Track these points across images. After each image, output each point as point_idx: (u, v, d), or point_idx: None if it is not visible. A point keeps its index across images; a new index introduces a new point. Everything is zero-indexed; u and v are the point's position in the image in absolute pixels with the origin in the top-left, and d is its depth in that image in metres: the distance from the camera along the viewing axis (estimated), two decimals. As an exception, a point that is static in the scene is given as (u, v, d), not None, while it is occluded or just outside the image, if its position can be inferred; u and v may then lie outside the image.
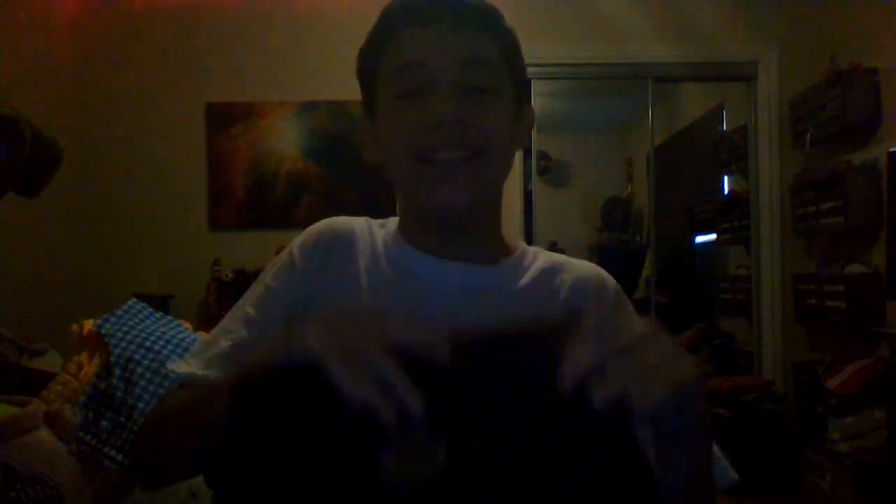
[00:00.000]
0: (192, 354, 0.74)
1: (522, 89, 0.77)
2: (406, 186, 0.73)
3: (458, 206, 0.70)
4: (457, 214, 0.72)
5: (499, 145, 0.72)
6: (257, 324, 0.73)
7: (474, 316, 0.69)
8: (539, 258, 0.80)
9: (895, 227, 2.68)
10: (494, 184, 0.75)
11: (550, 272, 0.78)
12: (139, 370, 1.49)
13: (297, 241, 0.79)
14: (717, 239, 4.59)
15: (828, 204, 3.09)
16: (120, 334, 1.55)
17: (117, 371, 1.47)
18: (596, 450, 0.52)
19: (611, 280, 0.82)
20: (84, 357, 1.54)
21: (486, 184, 0.72)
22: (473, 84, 0.69)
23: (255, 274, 3.16)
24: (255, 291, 0.78)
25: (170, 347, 1.58)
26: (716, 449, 0.67)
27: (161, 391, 1.48)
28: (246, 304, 0.76)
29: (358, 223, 0.80)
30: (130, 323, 1.61)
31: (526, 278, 0.76)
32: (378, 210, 3.39)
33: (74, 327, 1.62)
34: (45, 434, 1.01)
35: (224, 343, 0.72)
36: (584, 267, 0.81)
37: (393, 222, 0.81)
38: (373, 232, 0.79)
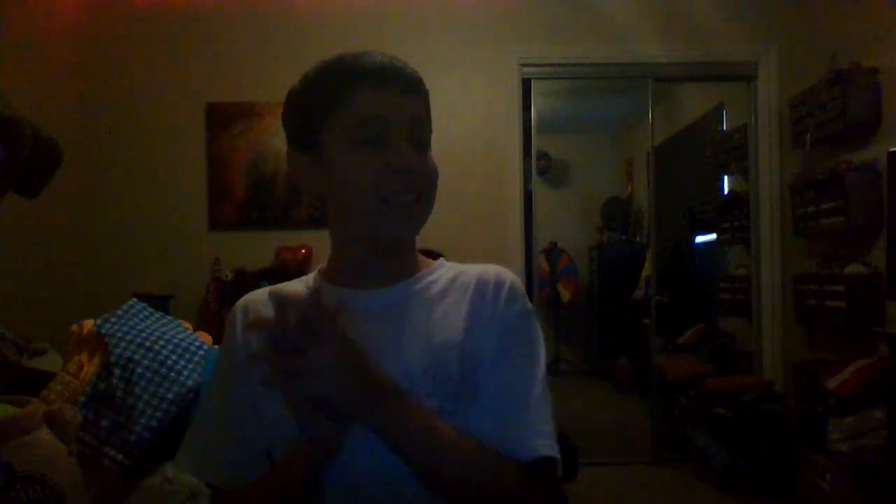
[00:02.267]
0: (196, 459, 0.87)
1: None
2: (360, 221, 0.83)
3: (405, 239, 0.87)
4: (399, 246, 0.87)
5: (433, 190, 0.86)
6: (231, 416, 0.86)
7: (390, 328, 0.83)
8: (445, 268, 0.91)
9: (895, 227, 2.68)
10: (424, 222, 0.87)
11: (455, 279, 0.89)
12: (139, 370, 1.49)
13: (228, 322, 0.91)
14: (717, 239, 4.59)
15: (828, 204, 3.10)
16: (120, 334, 1.55)
17: (117, 371, 1.47)
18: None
19: (507, 276, 0.89)
20: (84, 357, 1.54)
21: (423, 221, 0.86)
22: (419, 138, 0.83)
23: (256, 274, 3.18)
24: (211, 390, 0.92)
25: (170, 347, 1.58)
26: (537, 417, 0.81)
27: (161, 391, 1.49)
28: (211, 401, 0.91)
29: (271, 289, 0.92)
30: (130, 323, 1.61)
31: (436, 287, 0.88)
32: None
33: (74, 327, 1.62)
34: (45, 434, 1.01)
35: (224, 446, 0.86)
36: (483, 269, 0.90)
37: (312, 276, 0.93)
38: (288, 289, 0.90)
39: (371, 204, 0.81)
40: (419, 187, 0.83)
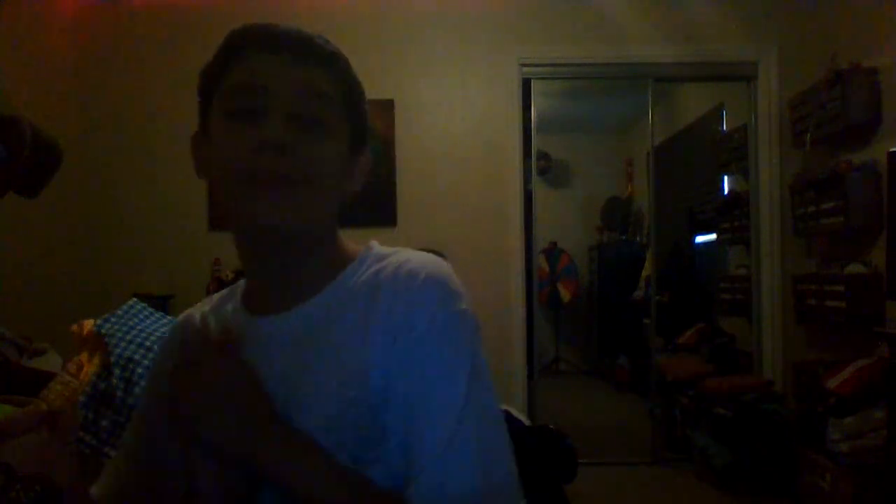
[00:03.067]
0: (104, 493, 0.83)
1: (359, 135, 0.77)
2: (232, 206, 0.71)
3: (277, 228, 0.70)
4: (275, 240, 0.72)
5: (325, 177, 0.72)
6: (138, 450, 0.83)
7: (302, 359, 0.71)
8: (370, 270, 0.74)
9: (895, 227, 2.68)
10: (317, 214, 0.72)
11: (373, 284, 0.72)
12: (139, 370, 1.49)
13: (162, 344, 0.88)
14: (717, 239, 4.59)
15: (828, 204, 3.10)
16: (120, 334, 1.55)
17: (117, 371, 1.47)
18: None
19: (421, 273, 0.70)
20: (84, 357, 1.54)
21: (307, 212, 0.71)
22: (307, 115, 0.71)
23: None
24: (134, 414, 0.89)
25: (170, 347, 1.57)
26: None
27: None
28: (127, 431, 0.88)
29: (207, 306, 0.85)
30: (130, 323, 1.61)
31: (347, 298, 0.73)
32: (377, 209, 3.41)
33: (74, 327, 1.63)
34: (45, 434, 1.01)
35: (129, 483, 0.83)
36: (398, 264, 0.72)
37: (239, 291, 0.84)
38: (224, 307, 0.83)
39: (238, 184, 0.69)
40: (297, 171, 0.69)
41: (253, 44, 0.74)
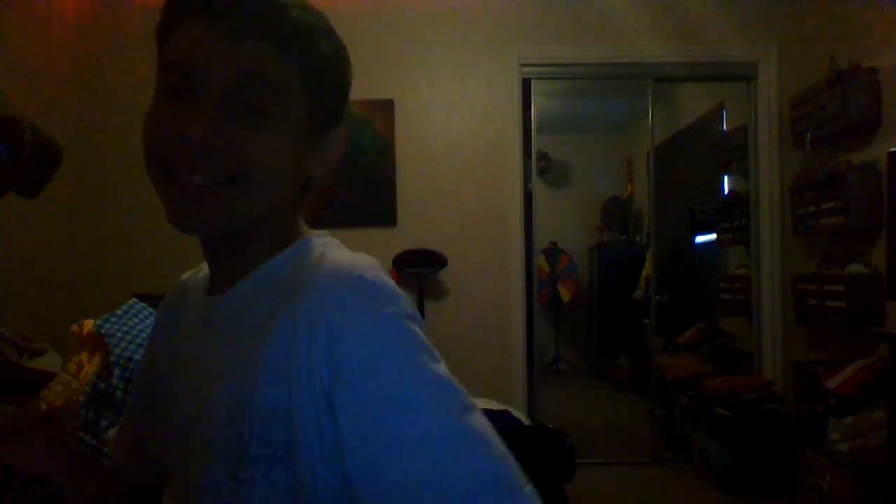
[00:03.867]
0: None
1: (325, 115, 0.67)
2: (154, 188, 0.66)
3: (204, 232, 0.66)
4: (208, 241, 0.69)
5: (266, 172, 0.62)
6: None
7: (206, 352, 0.67)
8: (293, 263, 0.67)
9: (895, 227, 2.68)
10: (252, 212, 0.63)
11: (290, 280, 0.64)
12: (139, 370, 1.49)
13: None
14: (717, 239, 4.59)
15: (828, 204, 3.10)
16: (120, 334, 1.55)
17: (117, 371, 1.47)
18: None
19: (343, 285, 0.59)
20: (84, 357, 1.54)
21: (242, 212, 0.62)
22: (244, 102, 0.60)
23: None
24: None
25: (170, 347, 1.57)
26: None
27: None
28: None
29: (201, 273, 0.79)
30: (130, 323, 1.61)
31: (263, 295, 0.66)
32: (377, 209, 3.41)
33: (74, 327, 1.63)
34: (45, 434, 1.01)
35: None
36: (320, 273, 0.61)
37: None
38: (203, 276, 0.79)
39: (158, 173, 0.64)
40: (227, 168, 0.60)
41: (192, 7, 0.63)
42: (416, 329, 0.59)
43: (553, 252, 6.06)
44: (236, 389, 0.61)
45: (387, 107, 3.63)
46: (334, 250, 0.66)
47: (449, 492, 0.52)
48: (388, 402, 0.55)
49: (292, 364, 0.57)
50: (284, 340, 0.59)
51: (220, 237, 0.67)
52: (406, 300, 0.61)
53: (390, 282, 0.61)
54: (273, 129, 0.62)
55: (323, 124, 0.68)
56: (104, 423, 1.43)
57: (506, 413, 1.48)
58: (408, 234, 3.59)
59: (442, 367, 0.58)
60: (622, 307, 5.43)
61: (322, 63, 0.65)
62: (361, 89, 3.66)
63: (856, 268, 3.02)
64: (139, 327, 1.61)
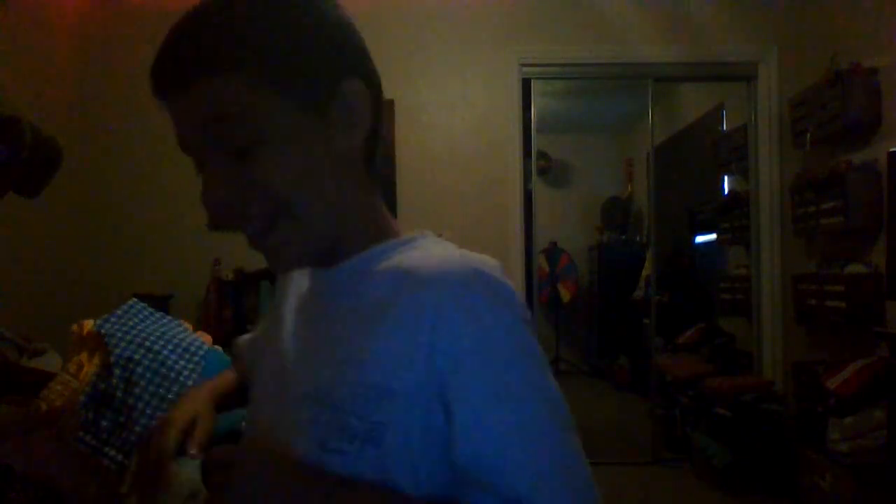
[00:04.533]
0: None
1: (309, 87, 0.60)
2: None
3: (289, 264, 0.66)
4: (293, 267, 0.68)
5: (299, 189, 0.60)
6: None
7: (312, 322, 0.68)
8: (412, 252, 0.67)
9: (895, 227, 2.68)
10: (315, 228, 0.63)
11: (401, 270, 0.64)
12: (139, 370, 1.49)
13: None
14: (717, 239, 4.59)
15: (828, 204, 3.10)
16: (120, 334, 1.55)
17: (117, 371, 1.47)
18: None
19: (471, 288, 0.58)
20: (84, 357, 1.54)
21: (306, 232, 0.62)
22: (229, 145, 0.58)
23: (255, 274, 3.19)
24: None
25: (170, 347, 1.58)
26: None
27: (161, 391, 1.49)
28: None
29: None
30: (130, 323, 1.61)
31: (377, 278, 0.65)
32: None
33: (74, 327, 1.62)
34: (45, 434, 1.01)
35: None
36: (444, 271, 0.60)
37: None
38: None
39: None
40: (266, 209, 0.60)
41: (153, 89, 0.63)
42: (532, 334, 0.60)
43: (553, 252, 6.06)
44: (342, 360, 0.61)
45: (387, 107, 3.63)
46: (455, 248, 0.66)
47: (546, 479, 0.55)
48: (504, 396, 0.56)
49: (411, 349, 0.57)
50: (407, 325, 0.58)
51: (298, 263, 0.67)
52: (524, 305, 0.61)
53: (512, 285, 0.61)
54: (268, 150, 0.59)
55: (312, 100, 0.61)
56: (104, 423, 1.43)
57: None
58: (408, 233, 3.58)
59: (552, 378, 0.60)
60: (622, 307, 5.43)
61: (266, 51, 0.58)
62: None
63: (856, 268, 3.02)
64: (139, 327, 1.61)
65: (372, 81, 0.66)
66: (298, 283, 0.75)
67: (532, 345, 0.59)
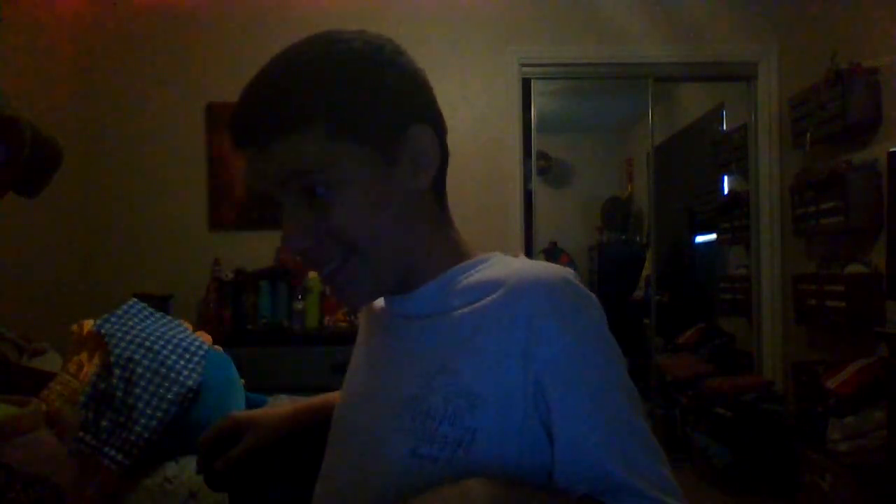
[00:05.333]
0: None
1: (380, 139, 0.65)
2: None
3: (359, 304, 0.73)
4: (362, 303, 0.75)
5: (367, 231, 0.65)
6: None
7: (399, 342, 0.72)
8: (489, 272, 0.70)
9: (895, 227, 2.68)
10: (384, 265, 0.67)
11: (490, 286, 0.67)
12: (139, 370, 1.49)
13: None
14: (717, 239, 4.59)
15: (828, 204, 3.09)
16: (120, 334, 1.55)
17: (117, 371, 1.47)
18: None
19: (555, 281, 0.63)
20: (84, 357, 1.53)
21: (374, 271, 0.67)
22: (308, 192, 0.64)
23: (255, 274, 3.19)
24: None
25: (170, 347, 1.58)
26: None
27: (161, 391, 1.49)
28: None
29: None
30: (130, 323, 1.61)
31: (458, 297, 0.68)
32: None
33: (74, 327, 1.62)
34: (45, 434, 1.01)
35: None
36: (528, 270, 0.65)
37: None
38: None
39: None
40: (338, 250, 0.65)
41: (231, 143, 0.66)
42: (610, 334, 0.64)
43: (553, 252, 6.06)
44: (432, 370, 0.63)
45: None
46: (532, 261, 0.69)
47: (638, 465, 0.60)
48: (601, 396, 0.61)
49: (504, 356, 0.60)
50: (499, 332, 0.61)
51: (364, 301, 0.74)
52: (602, 308, 0.65)
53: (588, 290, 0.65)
54: (345, 197, 0.63)
55: (382, 147, 0.65)
56: (104, 423, 1.43)
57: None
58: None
59: (626, 373, 0.64)
60: (622, 307, 5.43)
61: (337, 105, 0.63)
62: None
63: (856, 268, 3.02)
64: (139, 327, 1.61)
65: (438, 125, 0.71)
66: (383, 309, 0.77)
67: (614, 344, 0.64)
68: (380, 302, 0.78)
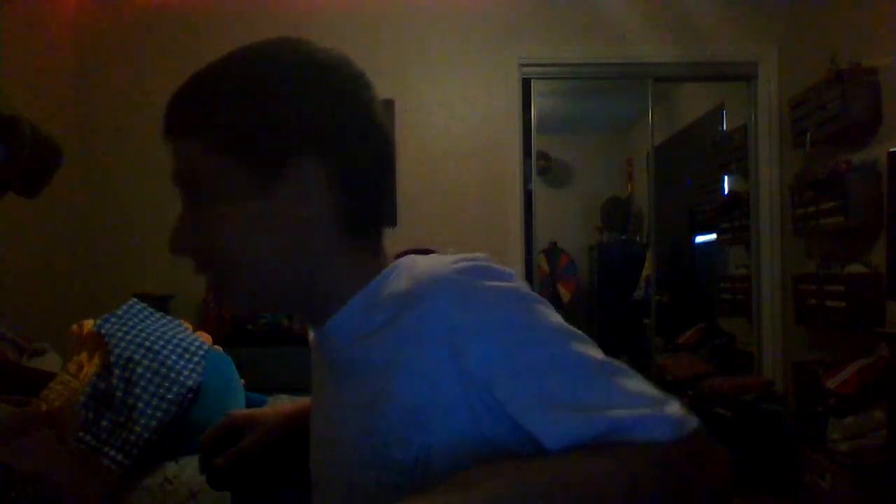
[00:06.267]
0: None
1: (265, 154, 0.63)
2: None
3: (228, 305, 0.72)
4: (232, 308, 0.74)
5: (236, 250, 0.64)
6: None
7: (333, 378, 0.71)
8: (399, 281, 0.66)
9: (895, 227, 2.68)
10: (260, 287, 0.67)
11: (403, 293, 0.64)
12: (139, 370, 1.49)
13: None
14: (717, 239, 4.59)
15: (828, 204, 3.09)
16: (120, 334, 1.55)
17: (117, 371, 1.47)
18: None
19: (455, 288, 0.60)
20: (84, 357, 1.53)
21: (248, 292, 0.67)
22: (184, 195, 0.66)
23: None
24: None
25: (170, 347, 1.58)
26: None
27: (161, 391, 1.49)
28: None
29: None
30: (130, 323, 1.61)
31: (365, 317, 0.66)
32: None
33: (74, 327, 1.62)
34: (45, 434, 1.01)
35: None
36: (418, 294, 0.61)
37: None
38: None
39: None
40: (209, 262, 0.68)
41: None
42: (530, 292, 0.62)
43: (553, 252, 6.06)
44: (372, 396, 0.62)
45: (387, 107, 3.63)
46: (434, 256, 0.66)
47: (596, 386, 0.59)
48: (536, 367, 0.58)
49: (435, 363, 0.59)
50: (420, 345, 0.59)
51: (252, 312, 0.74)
52: (512, 273, 0.63)
53: (498, 266, 0.63)
54: (215, 211, 0.64)
55: (263, 172, 0.63)
56: (104, 423, 1.43)
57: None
58: (408, 234, 3.58)
59: (555, 317, 0.62)
60: (622, 307, 5.43)
61: (221, 122, 0.63)
62: (361, 89, 3.66)
63: (856, 268, 3.02)
64: (139, 327, 1.61)
65: (334, 160, 0.65)
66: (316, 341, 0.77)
67: (532, 302, 0.61)
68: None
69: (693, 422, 0.58)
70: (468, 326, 0.58)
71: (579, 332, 0.62)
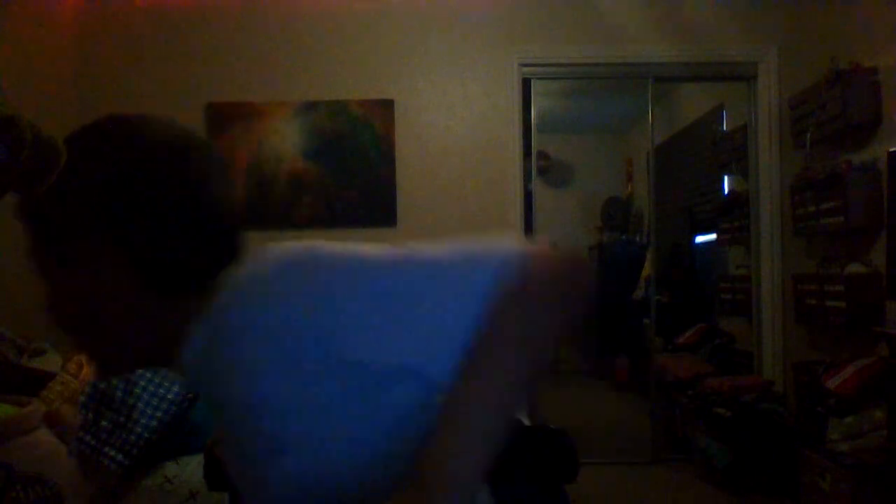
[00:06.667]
0: None
1: (65, 234, 0.73)
2: None
3: (103, 377, 0.76)
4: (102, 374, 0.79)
5: (65, 318, 0.71)
6: None
7: None
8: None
9: (895, 227, 2.68)
10: (115, 353, 0.73)
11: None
12: (139, 370, 1.49)
13: None
14: (717, 239, 4.59)
15: (828, 204, 3.09)
16: (120, 334, 1.55)
17: (117, 371, 1.47)
18: None
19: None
20: (84, 357, 1.54)
21: (106, 359, 0.74)
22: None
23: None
24: None
25: (170, 347, 1.57)
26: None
27: (161, 391, 1.48)
28: None
29: None
30: (130, 323, 1.61)
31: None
32: (377, 210, 3.41)
33: (74, 327, 1.62)
34: (45, 434, 1.01)
35: None
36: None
37: None
38: None
39: None
40: (62, 325, 0.75)
41: None
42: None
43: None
44: (232, 399, 0.68)
45: (387, 106, 3.63)
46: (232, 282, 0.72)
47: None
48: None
49: (264, 366, 0.64)
50: (246, 359, 0.65)
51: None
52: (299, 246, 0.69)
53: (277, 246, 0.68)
54: (55, 287, 0.73)
55: (60, 247, 0.72)
56: (104, 423, 1.43)
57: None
58: (408, 234, 3.58)
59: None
60: (622, 307, 5.43)
61: (33, 195, 0.72)
62: (361, 89, 3.66)
63: (856, 268, 3.02)
64: (139, 327, 1.61)
65: (135, 244, 0.69)
66: None
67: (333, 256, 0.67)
68: None
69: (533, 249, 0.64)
70: (263, 323, 0.65)
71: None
